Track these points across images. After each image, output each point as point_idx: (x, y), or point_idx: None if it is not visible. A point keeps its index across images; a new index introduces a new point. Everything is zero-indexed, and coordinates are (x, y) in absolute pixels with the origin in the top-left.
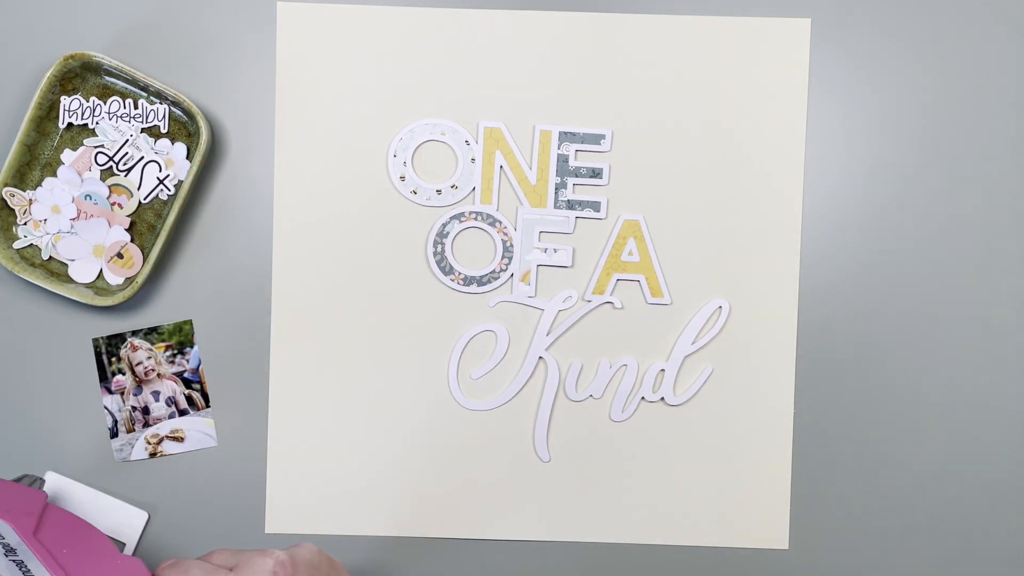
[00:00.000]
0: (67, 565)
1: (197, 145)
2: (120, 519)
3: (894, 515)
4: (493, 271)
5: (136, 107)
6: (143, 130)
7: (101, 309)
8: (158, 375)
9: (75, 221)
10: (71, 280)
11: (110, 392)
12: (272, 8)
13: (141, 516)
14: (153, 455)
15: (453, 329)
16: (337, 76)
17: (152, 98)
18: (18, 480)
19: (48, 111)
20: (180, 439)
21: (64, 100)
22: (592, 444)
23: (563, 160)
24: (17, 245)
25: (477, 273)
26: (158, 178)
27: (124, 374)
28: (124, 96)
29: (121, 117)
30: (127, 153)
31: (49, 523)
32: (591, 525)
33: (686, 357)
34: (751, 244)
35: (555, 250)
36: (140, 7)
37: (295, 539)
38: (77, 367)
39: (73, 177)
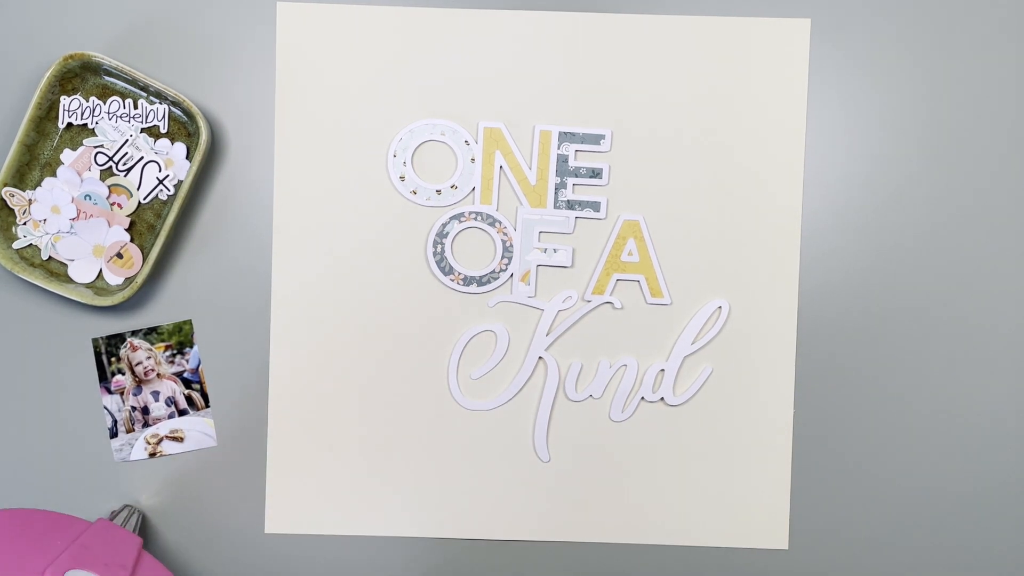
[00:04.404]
0: None
1: (197, 145)
2: None
3: (894, 515)
4: (493, 271)
5: (136, 107)
6: (143, 130)
7: (101, 309)
8: (158, 375)
9: (75, 221)
10: (71, 280)
11: (110, 392)
12: (272, 8)
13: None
14: (153, 455)
15: (453, 329)
16: (337, 76)
17: (152, 98)
18: (116, 514)
19: (48, 111)
20: (180, 439)
21: (64, 100)
22: (592, 444)
23: (563, 160)
24: (17, 245)
25: (477, 273)
26: (158, 178)
27: (124, 374)
28: (124, 96)
29: (121, 117)
30: (127, 153)
31: None
32: (591, 525)
33: (686, 357)
34: (751, 244)
35: (555, 250)
36: (140, 7)
37: (295, 539)
38: (77, 367)
39: (73, 177)
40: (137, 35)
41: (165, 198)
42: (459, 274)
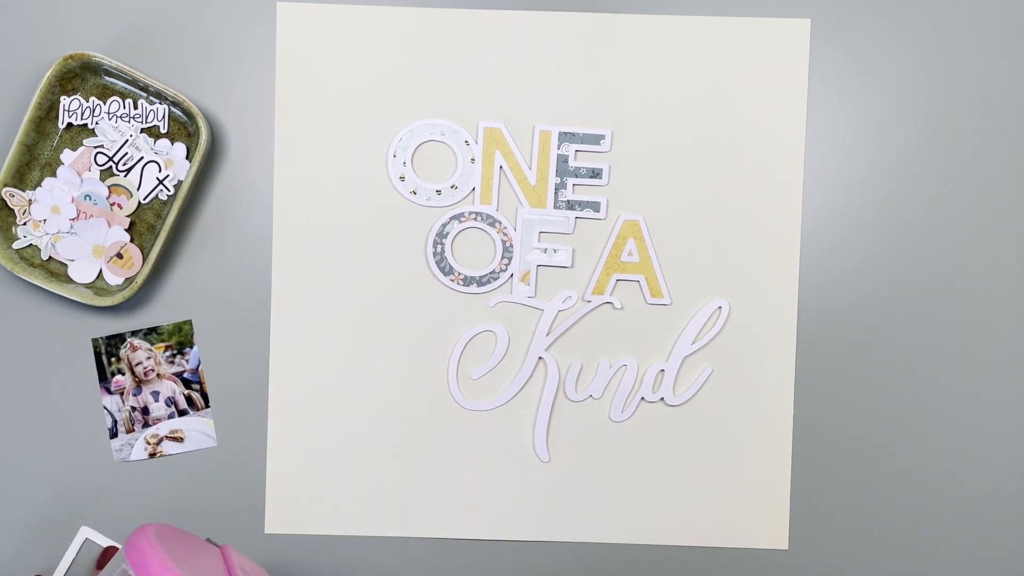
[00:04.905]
0: None
1: (197, 145)
2: None
3: (894, 515)
4: (493, 271)
5: (136, 107)
6: (143, 130)
7: (101, 309)
8: (158, 375)
9: (75, 221)
10: (71, 280)
11: (110, 392)
12: (272, 8)
13: None
14: (153, 455)
15: (453, 329)
16: (337, 76)
17: (152, 98)
18: None
19: (48, 111)
20: (180, 439)
21: (64, 100)
22: (592, 444)
23: (563, 160)
24: (17, 245)
25: (477, 273)
26: (158, 178)
27: (124, 374)
28: (124, 96)
29: (121, 117)
30: (127, 153)
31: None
32: (591, 525)
33: (686, 357)
34: (751, 244)
35: (555, 250)
36: (140, 7)
37: (295, 539)
38: (77, 367)
39: (73, 177)
40: (137, 35)
41: (165, 198)
42: (459, 274)
